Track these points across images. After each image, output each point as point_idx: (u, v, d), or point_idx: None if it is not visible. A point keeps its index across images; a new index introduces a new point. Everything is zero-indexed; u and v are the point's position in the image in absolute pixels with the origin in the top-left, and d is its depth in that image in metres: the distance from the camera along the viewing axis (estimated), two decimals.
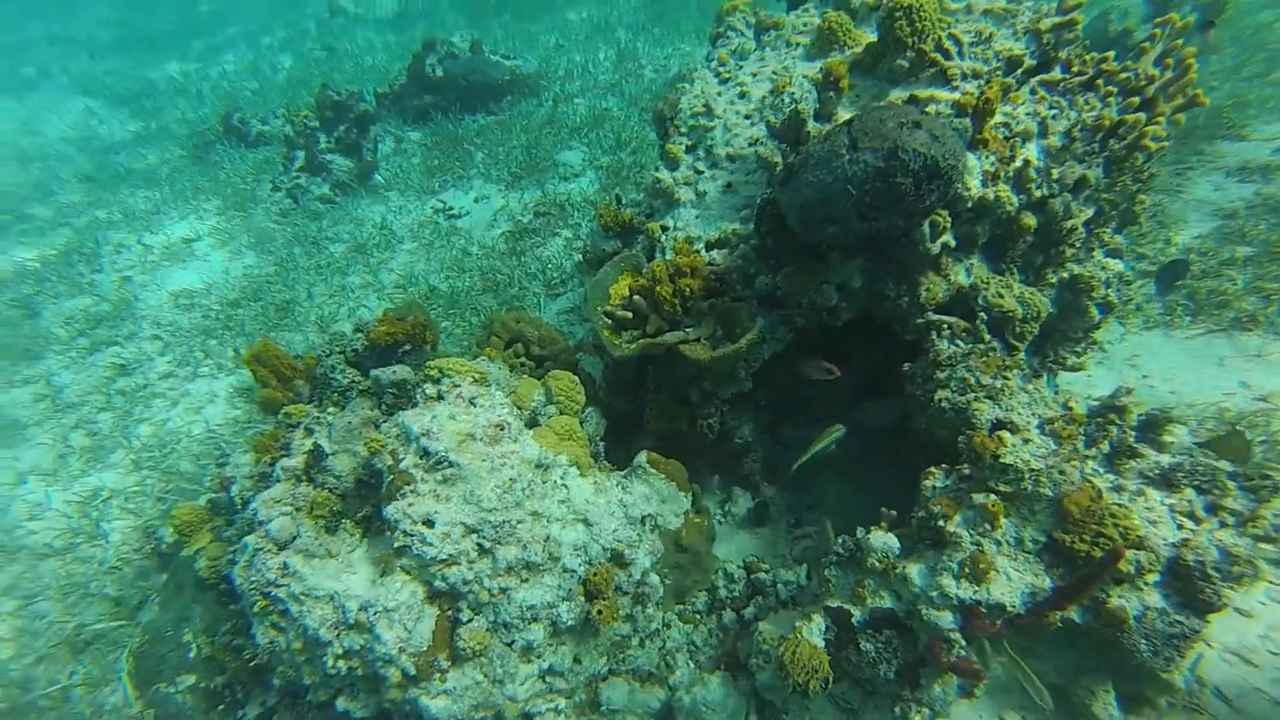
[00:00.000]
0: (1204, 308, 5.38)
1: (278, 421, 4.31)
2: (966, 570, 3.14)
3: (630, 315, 4.05)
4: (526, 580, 3.42)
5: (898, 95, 4.01)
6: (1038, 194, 3.85)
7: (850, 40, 4.42)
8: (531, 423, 4.00)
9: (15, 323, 8.63)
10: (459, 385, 3.83)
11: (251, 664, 3.76)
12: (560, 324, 6.71)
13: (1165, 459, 3.38)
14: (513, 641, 3.40)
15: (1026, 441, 3.31)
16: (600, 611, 3.49)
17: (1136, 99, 4.01)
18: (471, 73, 10.86)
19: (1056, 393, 3.79)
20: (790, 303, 3.97)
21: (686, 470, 4.27)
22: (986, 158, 3.75)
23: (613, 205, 5.06)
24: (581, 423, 4.15)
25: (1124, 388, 3.52)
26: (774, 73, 4.60)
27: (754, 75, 4.68)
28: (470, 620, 3.35)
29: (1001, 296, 3.91)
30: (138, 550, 5.40)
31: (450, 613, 3.37)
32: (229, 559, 3.98)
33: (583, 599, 3.57)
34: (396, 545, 3.32)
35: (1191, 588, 2.89)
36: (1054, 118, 3.96)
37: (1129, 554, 2.96)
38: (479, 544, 3.35)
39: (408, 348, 4.36)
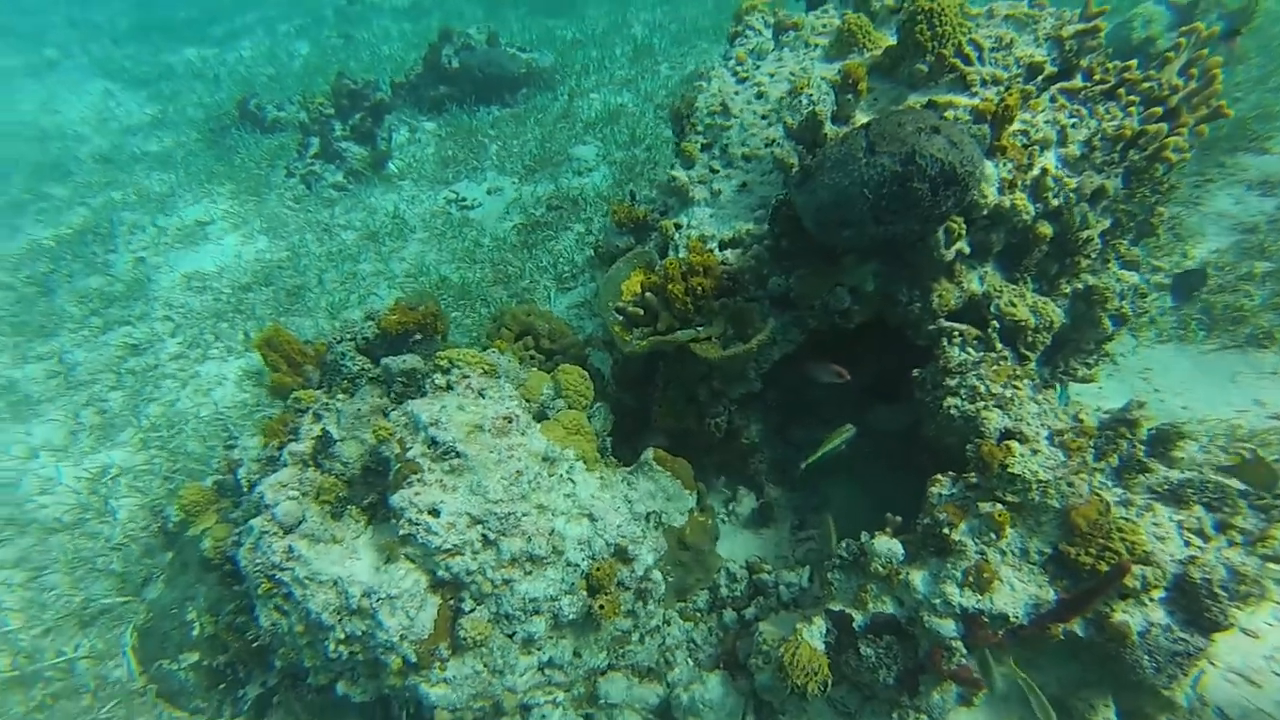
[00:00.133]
0: (1219, 323, 5.34)
1: (286, 406, 4.33)
2: (970, 579, 3.14)
3: (642, 312, 4.05)
4: (530, 573, 3.43)
5: (916, 100, 3.99)
6: (1055, 203, 3.83)
7: (869, 43, 4.40)
8: (540, 416, 4.01)
9: (31, 300, 8.71)
10: (468, 376, 3.84)
11: (254, 645, 3.79)
12: (570, 318, 6.71)
13: (1175, 474, 3.36)
14: (514, 633, 3.41)
15: (1035, 452, 3.29)
16: (602, 606, 3.50)
17: (1159, 109, 3.97)
18: (487, 65, 10.87)
19: (1067, 404, 3.77)
20: (803, 304, 3.96)
21: (692, 468, 4.28)
22: (1004, 165, 3.73)
23: (627, 202, 5.05)
24: (589, 418, 4.16)
25: (1135, 401, 3.50)
26: (792, 73, 4.58)
27: (771, 75, 4.67)
28: (472, 610, 3.36)
29: (1014, 305, 3.89)
30: (144, 528, 5.44)
31: (453, 602, 3.38)
32: (234, 540, 4.01)
33: (585, 593, 3.57)
34: (401, 533, 3.34)
35: (1197, 605, 2.88)
36: (1074, 126, 3.93)
37: (1135, 569, 2.94)
38: (484, 535, 3.36)
39: (418, 337, 4.38)
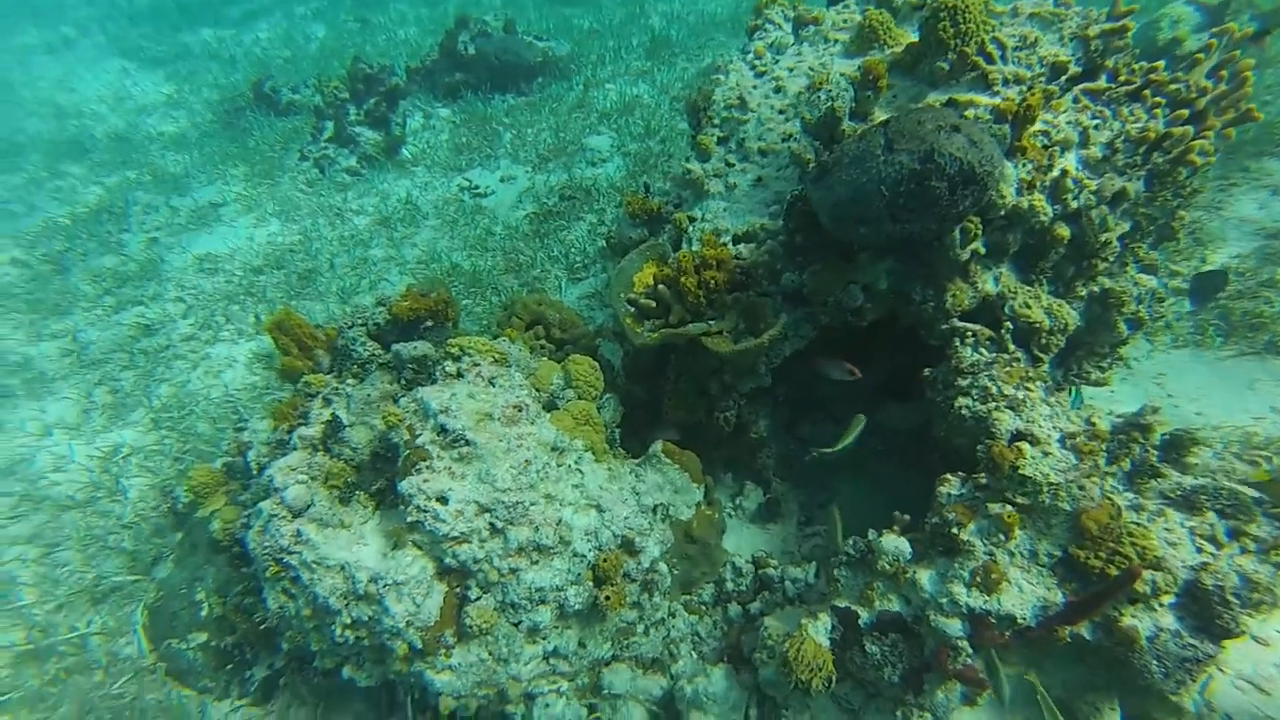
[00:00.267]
0: (1237, 329, 5.28)
1: (296, 390, 4.34)
2: (978, 579, 3.13)
3: (654, 304, 4.04)
4: (537, 562, 3.44)
5: (936, 98, 3.95)
6: (1074, 205, 3.79)
7: (890, 39, 4.36)
8: (549, 406, 4.01)
9: (46, 277, 8.77)
10: (479, 364, 3.85)
11: (261, 627, 3.83)
12: (581, 308, 6.71)
13: (1188, 480, 3.34)
14: (519, 622, 3.43)
15: (1046, 454, 3.28)
16: (608, 597, 3.51)
17: (1185, 111, 3.92)
18: (504, 52, 10.83)
19: (1080, 407, 3.74)
20: (815, 301, 3.94)
21: (700, 462, 4.27)
22: (1023, 166, 3.69)
23: (641, 194, 5.03)
24: (599, 409, 4.16)
25: (1150, 406, 3.47)
26: (811, 68, 4.54)
27: (790, 70, 4.63)
28: (479, 598, 3.37)
29: (1029, 307, 3.86)
30: (155, 508, 5.49)
31: (459, 590, 3.40)
32: (243, 523, 4.04)
33: (591, 584, 3.59)
34: (409, 520, 3.35)
35: (1209, 612, 2.86)
36: (1096, 128, 3.88)
37: (1145, 574, 2.92)
38: (491, 523, 3.37)
39: (430, 324, 4.38)
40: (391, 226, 8.66)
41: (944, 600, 3.16)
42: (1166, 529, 3.15)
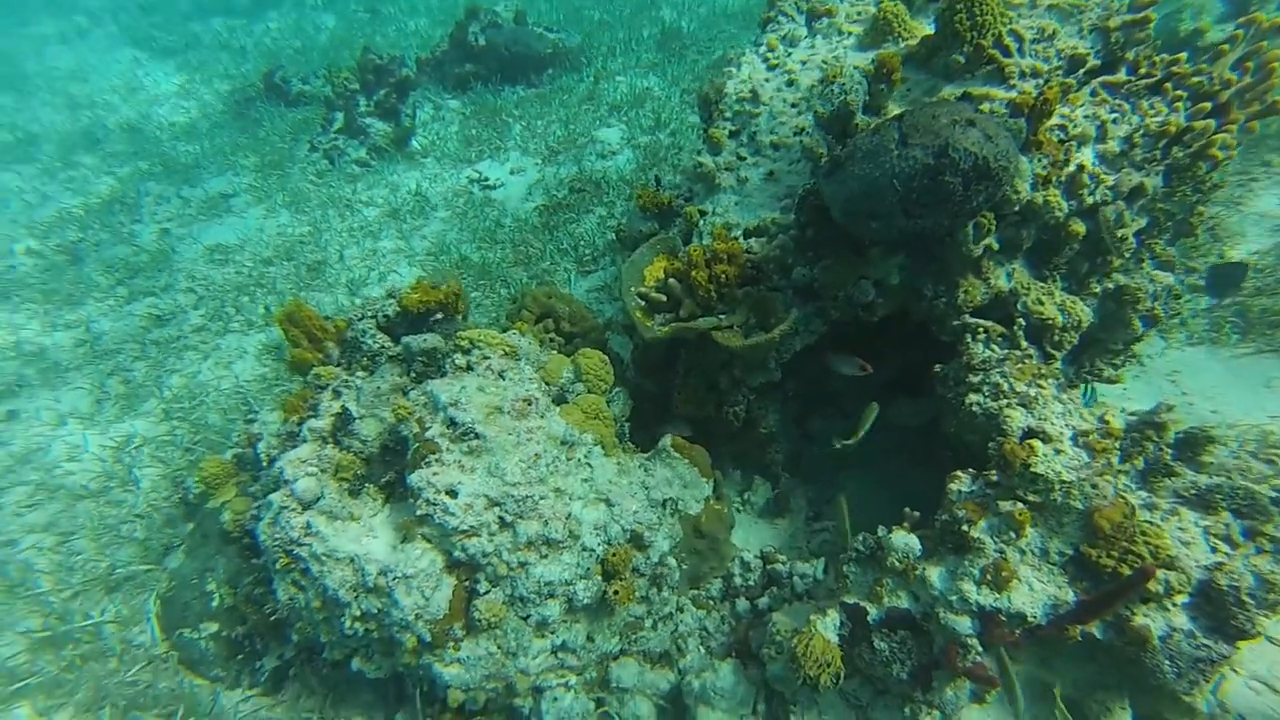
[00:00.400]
0: (1255, 326, 5.20)
1: (306, 382, 4.36)
2: (988, 577, 3.11)
3: (664, 298, 4.02)
4: (546, 556, 3.45)
5: (951, 91, 3.91)
6: (1090, 201, 3.74)
7: (905, 32, 4.31)
8: (559, 399, 4.01)
9: (60, 268, 8.83)
10: (489, 357, 3.85)
11: (271, 618, 3.85)
12: (590, 301, 6.70)
13: (1203, 479, 3.31)
14: (528, 616, 3.44)
15: (1059, 452, 3.25)
16: (617, 592, 3.52)
17: (1208, 104, 3.85)
18: (514, 43, 10.79)
19: (1093, 404, 3.71)
20: (826, 295, 3.91)
21: (709, 456, 4.27)
22: (1039, 160, 3.65)
23: (651, 187, 5.01)
24: (609, 402, 4.15)
25: (1164, 404, 3.43)
26: (824, 61, 4.50)
27: (803, 63, 4.59)
28: (487, 592, 3.39)
29: (1042, 304, 3.82)
30: (166, 498, 5.53)
31: (468, 583, 3.41)
32: (253, 514, 4.06)
33: (600, 578, 3.59)
34: (419, 513, 3.36)
35: (1224, 613, 2.84)
36: (1114, 122, 3.83)
37: (1158, 574, 2.90)
38: (501, 517, 3.38)
39: (439, 316, 4.38)
40: (401, 218, 8.66)
41: (954, 597, 3.15)
42: (1180, 528, 3.12)
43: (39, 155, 11.70)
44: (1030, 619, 3.02)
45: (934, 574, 3.24)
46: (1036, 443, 3.23)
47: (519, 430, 3.58)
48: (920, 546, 3.34)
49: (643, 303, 4.09)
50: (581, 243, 7.52)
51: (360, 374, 4.22)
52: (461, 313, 4.49)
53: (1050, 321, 3.80)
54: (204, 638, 4.20)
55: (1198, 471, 3.38)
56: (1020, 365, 3.64)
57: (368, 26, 15.01)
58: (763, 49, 4.83)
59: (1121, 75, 3.94)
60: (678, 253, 4.24)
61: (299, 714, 4.01)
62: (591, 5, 13.52)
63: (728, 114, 4.59)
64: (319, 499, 3.59)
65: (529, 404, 3.68)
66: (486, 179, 9.04)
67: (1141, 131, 3.83)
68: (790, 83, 4.52)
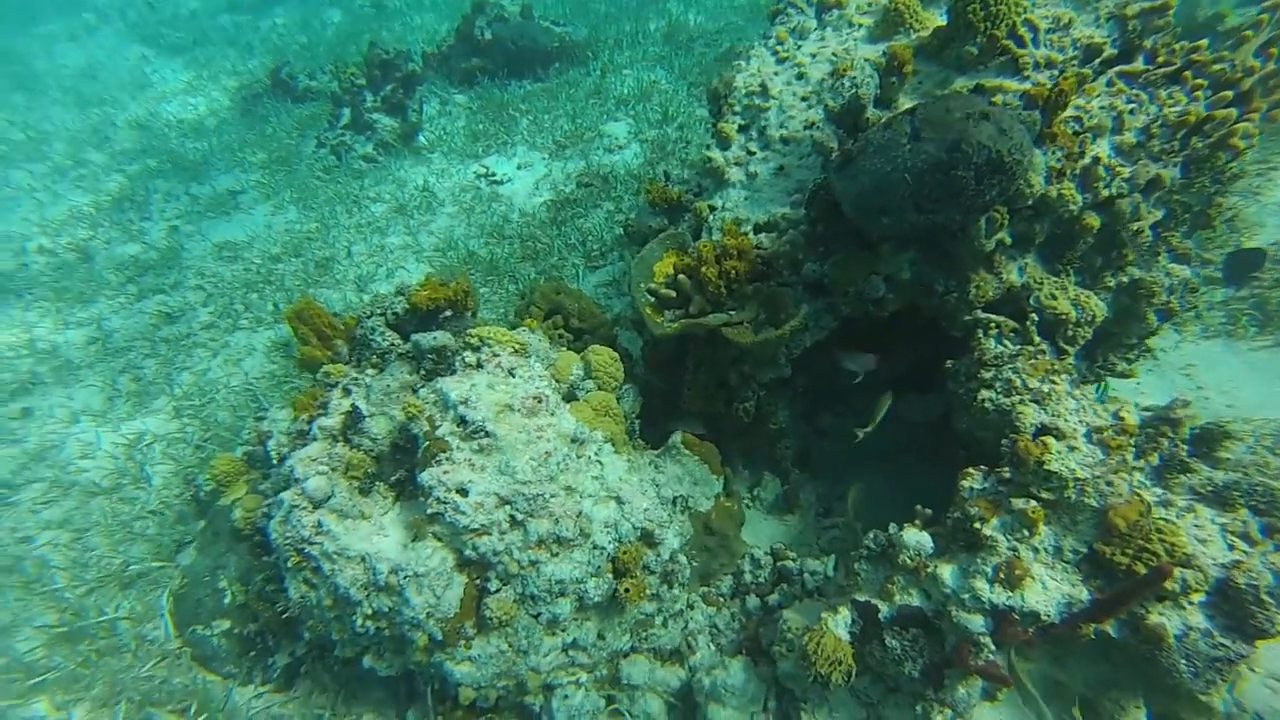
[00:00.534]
0: (1273, 319, 5.13)
1: (316, 380, 4.37)
2: (1001, 575, 3.09)
3: (674, 294, 4.00)
4: (557, 554, 3.44)
5: (963, 84, 3.86)
6: (1105, 194, 3.69)
7: (917, 23, 4.26)
8: (569, 396, 4.00)
9: (71, 266, 8.88)
10: (499, 355, 3.84)
11: (283, 615, 3.86)
12: (598, 296, 6.68)
13: (1219, 475, 3.27)
14: (539, 614, 3.44)
15: (1072, 449, 3.22)
16: (628, 590, 3.51)
17: (1229, 93, 3.77)
18: (520, 37, 10.74)
19: (1104, 400, 3.66)
20: (837, 291, 3.88)
21: (719, 452, 4.26)
22: (1053, 153, 3.60)
23: (661, 182, 4.98)
24: (618, 399, 4.14)
25: (1180, 399, 3.40)
26: (834, 54, 4.45)
27: (813, 56, 4.53)
28: (498, 590, 3.39)
29: (1055, 298, 3.78)
30: (178, 495, 5.57)
31: (479, 582, 3.41)
32: (264, 512, 4.08)
33: (610, 576, 3.59)
34: (429, 511, 3.36)
35: (1242, 611, 2.80)
36: (1131, 112, 3.77)
37: (1175, 572, 2.87)
38: (511, 515, 3.38)
39: (449, 314, 4.37)
40: (408, 214, 8.66)
41: (966, 596, 3.13)
42: (1196, 525, 3.09)
43: (50, 153, 11.76)
44: (1044, 618, 3.00)
45: (946, 572, 3.22)
46: (1050, 439, 3.20)
47: (529, 428, 3.57)
48: (932, 544, 3.32)
49: (652, 299, 4.07)
50: (589, 238, 7.49)
51: (370, 371, 4.22)
52: (471, 310, 4.48)
53: (1064, 316, 3.76)
54: (216, 634, 4.23)
55: (1214, 468, 3.35)
56: (1033, 361, 3.60)
57: (374, 21, 14.99)
58: (772, 42, 4.78)
59: (1139, 64, 3.87)
60: (687, 248, 4.21)
61: (311, 710, 4.04)
62: None
63: (737, 108, 4.55)
64: (330, 497, 3.60)
65: (539, 401, 3.67)
66: (494, 174, 9.02)
67: (1159, 122, 3.77)
68: (800, 76, 4.47)
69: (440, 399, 3.64)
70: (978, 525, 3.18)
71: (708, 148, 4.53)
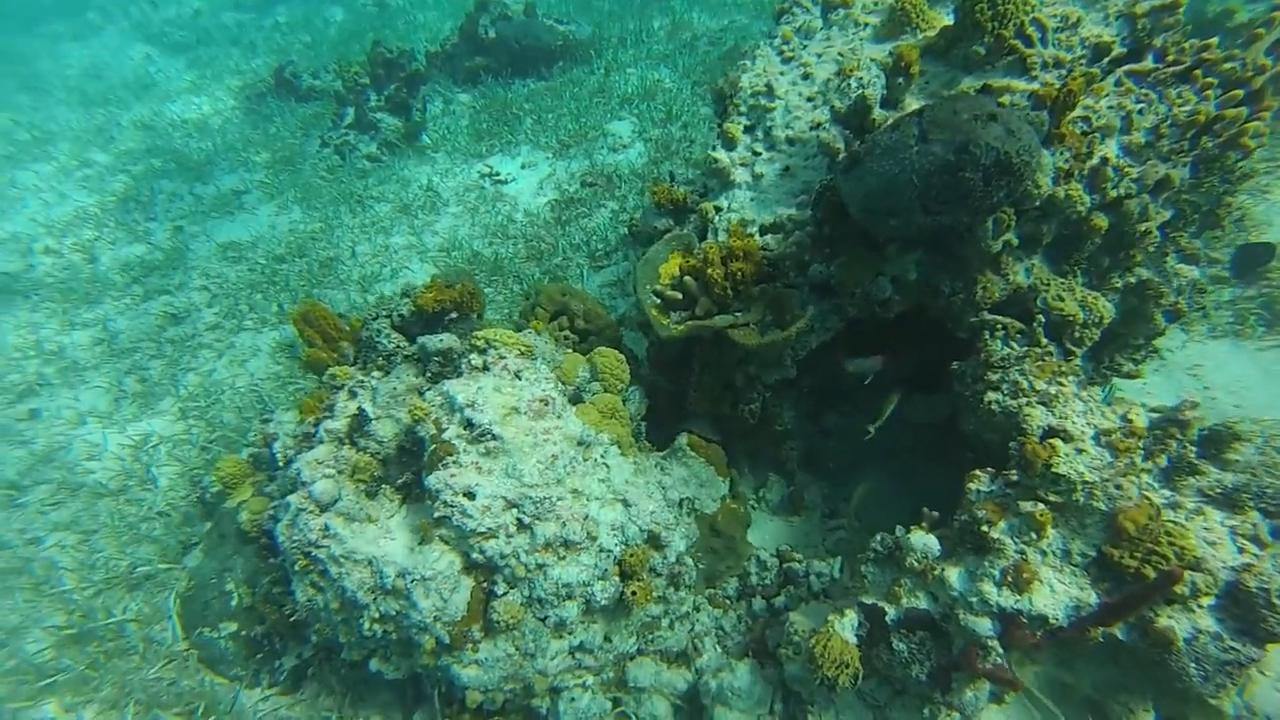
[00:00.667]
0: None
1: (322, 382, 4.37)
2: (1009, 578, 3.08)
3: (680, 296, 3.99)
4: (563, 558, 3.44)
5: (970, 84, 3.84)
6: (1113, 194, 3.67)
7: (923, 22, 4.23)
8: (575, 399, 4.00)
9: (77, 267, 8.90)
10: (505, 357, 3.84)
11: (290, 619, 3.87)
12: (602, 296, 6.67)
13: (1229, 478, 3.25)
14: (546, 617, 3.44)
15: (1080, 452, 3.20)
16: (635, 592, 3.51)
17: (1240, 92, 3.74)
18: (524, 36, 10.72)
19: (1110, 399, 3.65)
20: (843, 292, 3.87)
21: (725, 454, 4.25)
22: (1061, 154, 3.58)
23: (666, 182, 4.97)
24: (624, 401, 4.14)
25: (1189, 401, 3.38)
26: (840, 54, 4.42)
27: (819, 56, 4.51)
28: (505, 593, 3.39)
29: (1062, 300, 3.76)
30: (184, 497, 5.58)
31: (486, 585, 3.41)
32: (270, 514, 4.09)
33: (617, 579, 3.58)
34: (436, 515, 3.36)
35: (1252, 615, 2.79)
36: (1140, 112, 3.74)
37: (1184, 575, 2.85)
38: (518, 519, 3.38)
39: (454, 316, 4.37)
40: (412, 214, 8.66)
41: (974, 599, 3.12)
42: (1205, 528, 3.07)
43: (55, 154, 11.78)
44: (1052, 621, 2.99)
45: (953, 575, 3.21)
46: (1058, 442, 3.19)
47: (536, 431, 3.57)
48: (939, 547, 3.31)
49: (658, 300, 4.06)
50: (594, 237, 7.48)
51: (376, 374, 4.22)
52: (477, 312, 4.48)
53: (1071, 318, 3.74)
54: (223, 637, 4.24)
55: (1223, 469, 3.33)
56: (1040, 363, 3.58)
57: (376, 19, 14.98)
58: (777, 41, 4.76)
59: (1148, 63, 3.84)
60: (693, 250, 4.20)
61: (318, 713, 4.05)
62: None
63: (742, 108, 4.53)
64: (337, 500, 3.60)
65: (545, 404, 3.67)
66: (498, 173, 9.01)
67: (1169, 122, 3.74)
68: (806, 76, 4.45)
69: (446, 402, 3.63)
70: (985, 528, 3.17)
71: (713, 148, 4.52)
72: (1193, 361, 5.10)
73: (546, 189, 8.54)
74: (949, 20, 4.03)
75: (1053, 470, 3.10)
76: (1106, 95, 3.75)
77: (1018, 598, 3.05)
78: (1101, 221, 3.68)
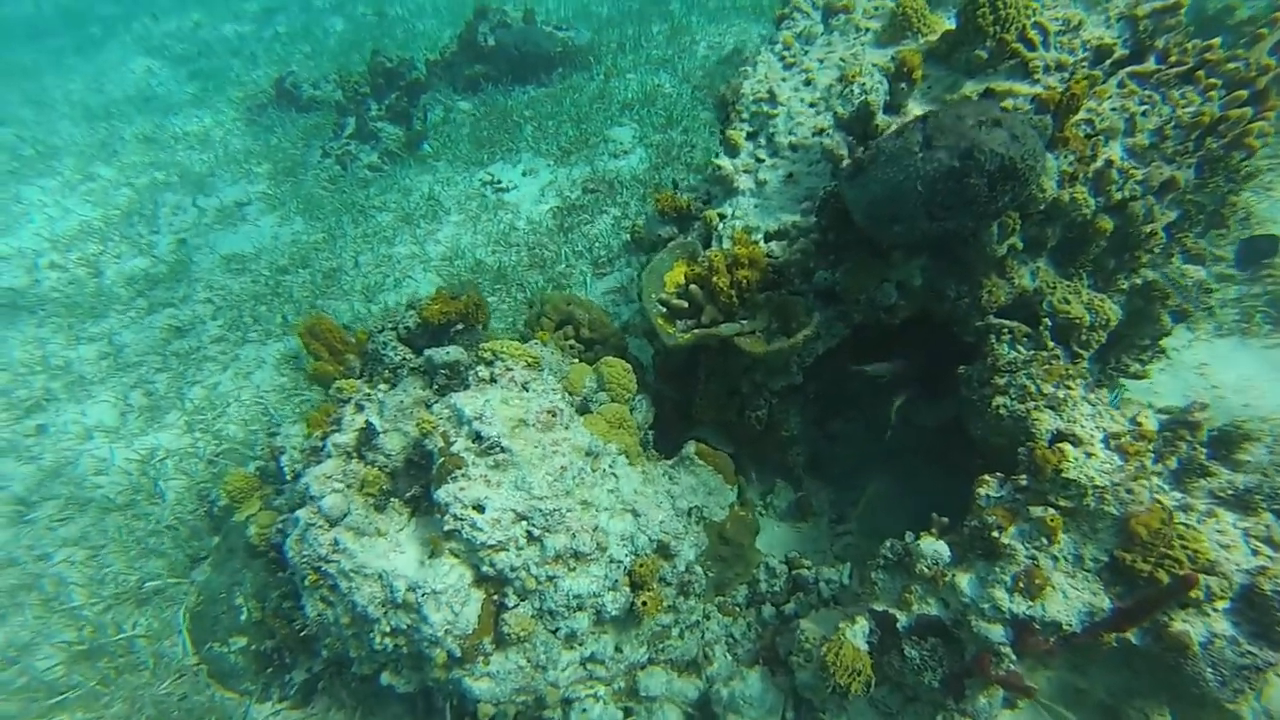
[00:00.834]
0: None
1: (328, 396, 4.37)
2: (1020, 584, 3.07)
3: (685, 304, 3.99)
4: (574, 569, 3.44)
5: (973, 88, 3.83)
6: (1117, 197, 3.66)
7: (925, 27, 4.23)
8: (583, 409, 4.00)
9: (82, 281, 8.93)
10: (512, 369, 3.84)
11: (300, 633, 3.87)
12: (606, 304, 6.68)
13: (1240, 479, 3.24)
14: (557, 629, 3.44)
15: (1090, 456, 3.19)
16: (645, 602, 3.51)
17: (1244, 92, 3.74)
18: (524, 43, 10.75)
19: (1118, 401, 3.64)
20: (848, 299, 3.87)
21: (732, 461, 4.24)
22: (1065, 157, 3.57)
23: (669, 189, 4.97)
24: (632, 410, 4.13)
25: (1198, 403, 3.37)
26: (842, 60, 4.43)
27: (820, 61, 4.51)
28: (516, 606, 3.39)
29: (1068, 302, 3.75)
30: (192, 511, 5.58)
31: (497, 598, 3.41)
32: (279, 529, 4.09)
33: (628, 589, 3.58)
34: (446, 528, 3.36)
35: (1268, 618, 2.77)
36: (1144, 114, 3.73)
37: (1199, 579, 2.84)
38: (528, 531, 3.38)
39: (460, 327, 4.38)
40: (414, 223, 8.67)
41: (985, 605, 3.11)
42: (1218, 530, 3.06)
43: (60, 169, 11.82)
44: (1065, 627, 2.97)
45: (964, 581, 3.20)
46: (1067, 446, 3.18)
47: (544, 443, 3.57)
48: (949, 553, 3.30)
49: (664, 309, 4.06)
50: (596, 244, 7.49)
51: (382, 387, 4.22)
52: (482, 323, 4.48)
53: (1077, 320, 3.73)
54: (233, 651, 4.24)
55: (1234, 471, 3.31)
56: (1047, 366, 3.58)
57: (376, 29, 15.02)
58: (779, 47, 4.76)
59: (1151, 65, 3.84)
60: (698, 257, 4.20)
61: None
62: (599, 1, 13.43)
63: (745, 115, 4.53)
64: (346, 515, 3.60)
65: (553, 415, 3.67)
66: (499, 181, 9.02)
67: (1173, 123, 3.73)
68: (808, 82, 4.45)
69: (454, 414, 3.63)
70: (995, 534, 3.16)
71: (716, 155, 4.52)
72: (1199, 360, 5.08)
73: (548, 196, 8.55)
74: (950, 24, 4.02)
75: (1063, 475, 3.09)
76: (1109, 98, 3.74)
77: (1030, 604, 3.04)
78: (1106, 224, 3.67)
